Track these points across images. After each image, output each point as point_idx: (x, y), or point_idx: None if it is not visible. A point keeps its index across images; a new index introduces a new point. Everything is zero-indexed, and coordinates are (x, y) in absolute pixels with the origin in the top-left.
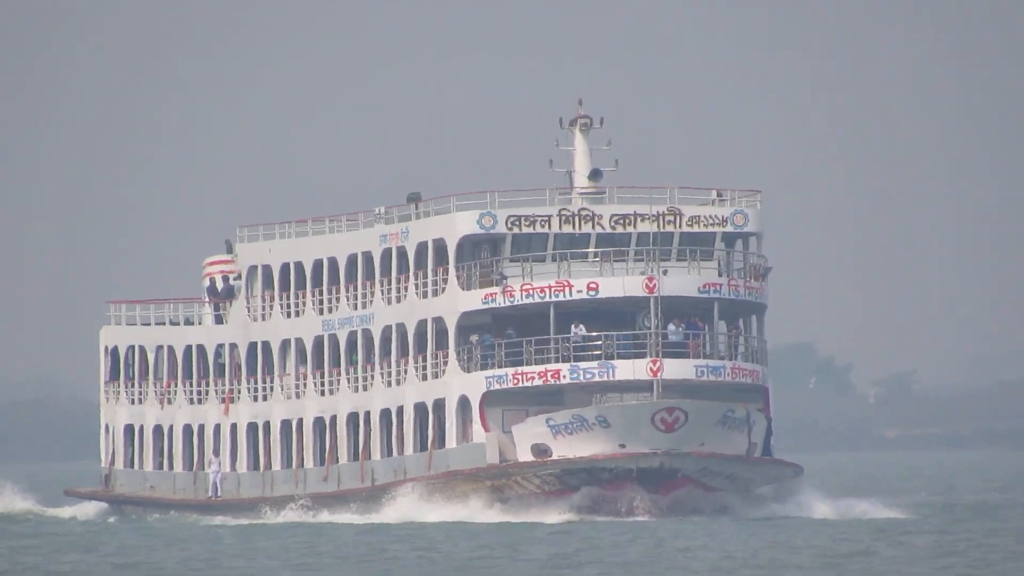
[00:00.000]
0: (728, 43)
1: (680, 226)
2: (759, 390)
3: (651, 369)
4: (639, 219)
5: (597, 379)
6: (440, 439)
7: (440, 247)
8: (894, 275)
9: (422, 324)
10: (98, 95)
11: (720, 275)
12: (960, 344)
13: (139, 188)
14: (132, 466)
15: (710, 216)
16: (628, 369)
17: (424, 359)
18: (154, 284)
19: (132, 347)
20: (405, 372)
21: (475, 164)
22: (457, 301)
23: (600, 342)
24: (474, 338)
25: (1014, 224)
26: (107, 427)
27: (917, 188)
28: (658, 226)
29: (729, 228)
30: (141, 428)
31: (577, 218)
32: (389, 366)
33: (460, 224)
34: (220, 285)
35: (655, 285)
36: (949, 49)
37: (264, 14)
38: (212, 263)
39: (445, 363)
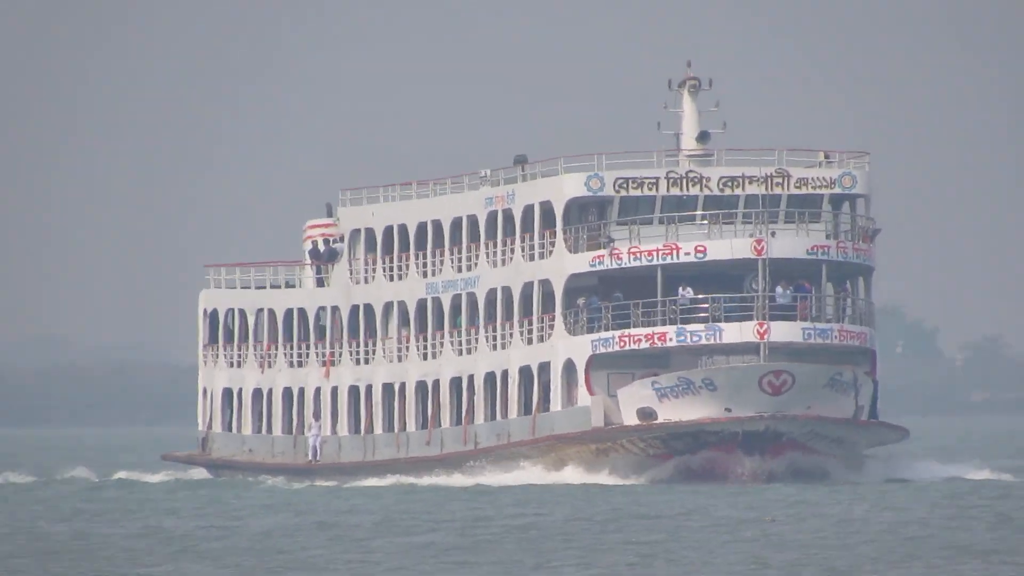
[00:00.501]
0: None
1: (788, 188)
2: (866, 353)
3: (758, 332)
4: (747, 181)
5: (704, 342)
6: (545, 403)
7: (547, 210)
8: (981, 238)
9: (528, 287)
10: (201, 57)
11: (828, 237)
12: None
13: (240, 151)
14: (230, 429)
15: (818, 178)
16: (735, 332)
17: (530, 322)
18: (253, 248)
19: (231, 310)
20: (510, 335)
21: (582, 127)
22: (564, 263)
23: (707, 305)
24: (581, 301)
25: None
26: (204, 390)
27: (1004, 149)
28: (766, 188)
29: (837, 190)
30: (240, 391)
31: (685, 180)
32: (494, 329)
33: (568, 187)
34: (322, 248)
35: (763, 247)
36: None
37: None
38: (313, 226)
39: (551, 326)
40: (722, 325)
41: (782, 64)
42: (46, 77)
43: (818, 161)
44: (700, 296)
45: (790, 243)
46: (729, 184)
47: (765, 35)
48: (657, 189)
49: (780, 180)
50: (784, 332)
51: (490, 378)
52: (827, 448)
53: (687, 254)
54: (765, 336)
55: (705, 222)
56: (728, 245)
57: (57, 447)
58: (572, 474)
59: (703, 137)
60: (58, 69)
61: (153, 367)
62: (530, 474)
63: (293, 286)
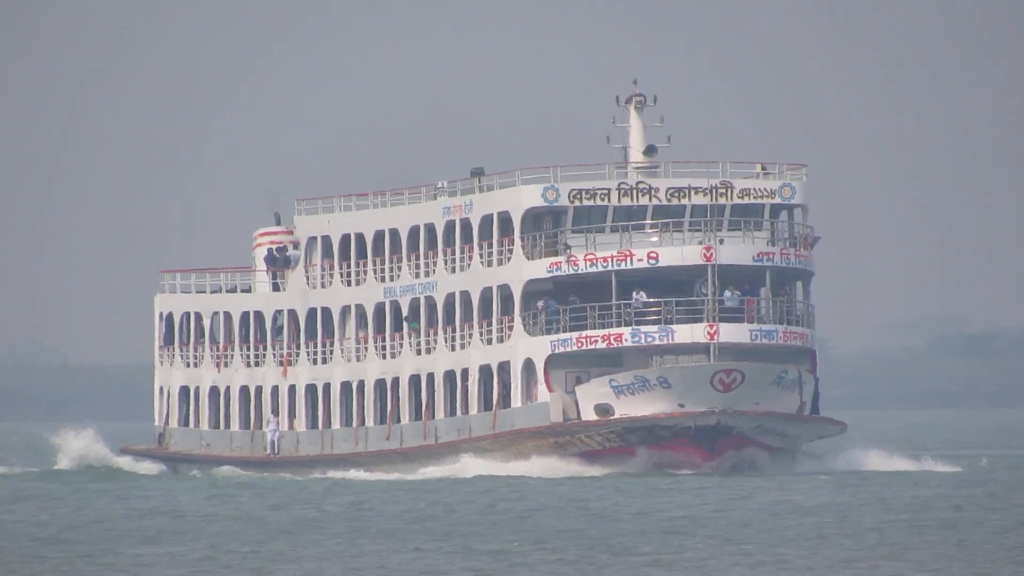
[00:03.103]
0: (776, 20)
1: (732, 198)
2: (807, 352)
3: (708, 333)
4: (693, 192)
5: (657, 342)
6: (505, 399)
7: (505, 219)
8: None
9: (487, 291)
10: (159, 66)
11: (771, 244)
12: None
13: (189, 161)
14: (187, 425)
15: (760, 189)
16: (687, 333)
17: (489, 324)
18: (198, 256)
19: (187, 313)
20: (469, 336)
21: (533, 141)
22: (523, 269)
23: (660, 308)
24: (540, 303)
25: None
26: (161, 389)
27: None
28: (711, 198)
29: (777, 200)
30: (197, 390)
31: (635, 191)
32: (453, 331)
33: (525, 197)
34: (277, 254)
35: (712, 254)
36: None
37: None
38: (263, 234)
39: (511, 327)
40: (674, 327)
41: (722, 81)
42: None
43: (755, 173)
44: (653, 300)
45: (737, 250)
46: (676, 194)
47: (706, 54)
48: (609, 199)
49: (724, 191)
50: (732, 333)
51: (450, 376)
52: (773, 441)
53: (640, 260)
54: (715, 337)
55: (656, 230)
56: (679, 252)
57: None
58: (532, 467)
59: (650, 150)
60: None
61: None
62: (491, 466)
63: (246, 291)
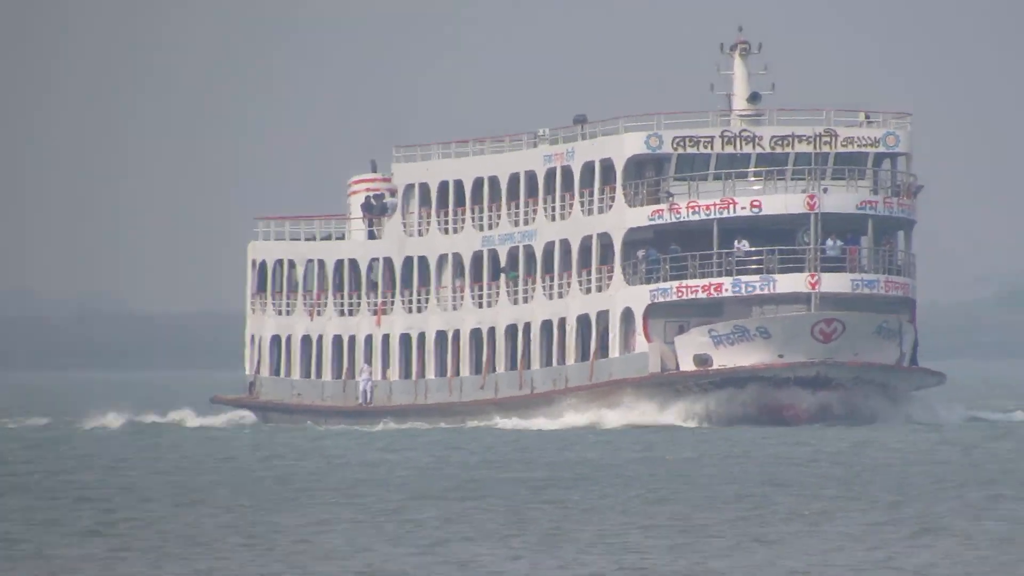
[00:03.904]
0: None
1: (835, 147)
2: (908, 303)
3: (810, 282)
4: (797, 140)
5: (758, 292)
6: (603, 349)
7: (607, 166)
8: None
9: (587, 240)
10: (244, 14)
11: (873, 193)
12: None
13: (282, 108)
14: (278, 374)
15: (864, 137)
16: (788, 283)
17: (588, 273)
18: (292, 202)
19: (280, 261)
20: (568, 285)
21: (636, 88)
22: (624, 217)
23: (761, 257)
24: (641, 252)
25: None
26: (253, 337)
27: None
28: (815, 147)
29: (881, 148)
30: (289, 338)
31: (738, 139)
32: (551, 279)
33: (628, 144)
34: (374, 202)
35: (815, 203)
36: None
37: None
38: (359, 181)
39: (610, 277)
40: (776, 276)
41: (827, 28)
42: (97, 26)
43: (859, 121)
44: (755, 249)
45: (840, 199)
46: (780, 143)
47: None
48: (712, 147)
49: (828, 139)
50: (834, 283)
51: (547, 326)
52: (872, 391)
53: (743, 208)
54: (816, 287)
55: (759, 179)
56: (782, 200)
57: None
58: (631, 416)
59: (754, 98)
60: (109, 23)
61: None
62: (587, 417)
63: (341, 239)
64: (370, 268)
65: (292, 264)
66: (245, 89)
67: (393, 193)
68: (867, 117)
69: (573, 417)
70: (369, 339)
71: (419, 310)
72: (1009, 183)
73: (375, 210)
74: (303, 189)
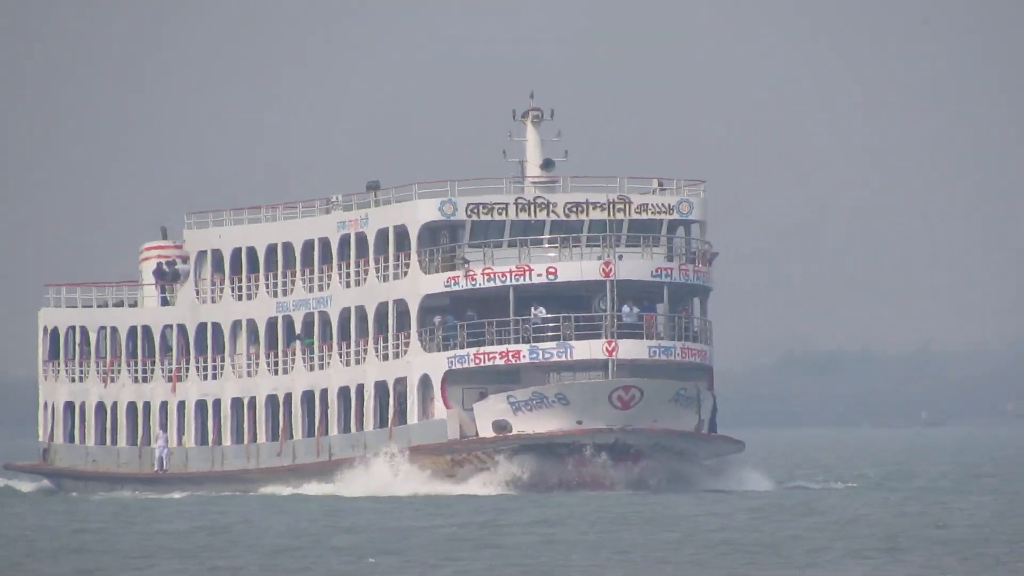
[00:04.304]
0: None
1: (629, 214)
2: (705, 369)
3: (607, 349)
4: (591, 207)
5: (555, 359)
6: (401, 416)
7: (401, 233)
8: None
9: (383, 306)
10: (52, 77)
11: (669, 260)
12: None
13: (70, 175)
14: (72, 441)
15: (658, 204)
16: (585, 349)
17: (384, 339)
18: (84, 270)
19: (72, 327)
20: (364, 351)
21: (429, 154)
22: (419, 284)
23: (558, 324)
24: (437, 319)
25: None
26: (46, 404)
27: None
28: (609, 213)
29: (675, 215)
30: (83, 405)
31: (533, 206)
32: (348, 346)
33: (422, 211)
34: (166, 268)
35: (611, 269)
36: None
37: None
38: (150, 248)
39: (407, 343)
40: (573, 343)
41: (619, 95)
42: None
43: (653, 188)
44: (551, 315)
45: (636, 265)
46: (574, 210)
47: (604, 68)
48: (507, 214)
49: (622, 206)
50: (631, 349)
51: (344, 392)
52: (670, 459)
53: (539, 275)
54: (614, 353)
55: (554, 245)
56: (578, 267)
57: None
58: (430, 485)
59: (547, 164)
60: None
61: None
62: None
63: (133, 305)
64: (163, 335)
65: (85, 331)
66: (32, 151)
67: (185, 260)
68: (660, 184)
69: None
70: (164, 406)
71: (214, 376)
72: (799, 247)
73: (167, 276)
74: (93, 256)
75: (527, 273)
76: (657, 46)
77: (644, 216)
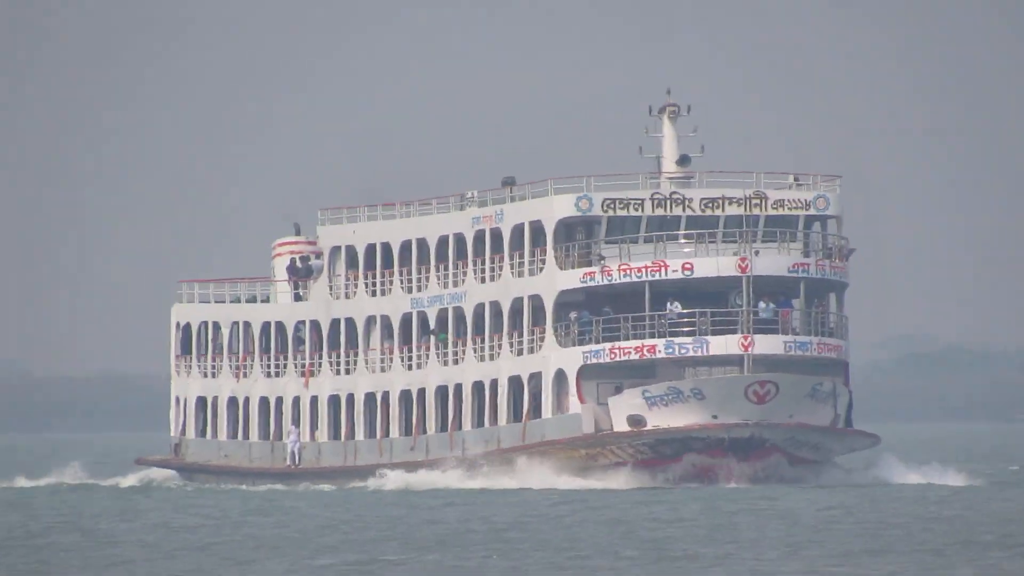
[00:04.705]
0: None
1: (766, 209)
2: (841, 364)
3: (743, 344)
4: (727, 202)
5: (691, 354)
6: (535, 410)
7: (537, 228)
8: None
9: (518, 301)
10: (176, 78)
11: (806, 255)
12: None
13: (201, 172)
14: (204, 435)
15: (794, 200)
16: (721, 344)
17: (519, 335)
18: (216, 265)
19: (205, 323)
20: (499, 347)
21: (565, 150)
22: (555, 280)
23: (694, 319)
24: (573, 314)
25: None
26: (177, 399)
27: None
28: (745, 209)
29: (811, 211)
30: (215, 400)
31: (669, 201)
32: (482, 341)
33: (558, 207)
34: (299, 264)
35: (747, 265)
36: None
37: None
38: (283, 244)
39: (542, 338)
40: (708, 338)
41: (757, 91)
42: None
43: (789, 184)
44: (687, 311)
45: (772, 261)
46: (710, 205)
47: (741, 64)
48: (643, 210)
49: (758, 201)
50: (767, 345)
51: (478, 387)
52: (806, 453)
53: (675, 271)
54: (749, 348)
55: (690, 241)
56: (714, 262)
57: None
58: (563, 479)
59: (684, 160)
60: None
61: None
62: (521, 479)
63: (265, 301)
64: (296, 330)
65: (217, 326)
66: (165, 149)
67: (319, 255)
68: (796, 180)
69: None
70: (297, 400)
71: (347, 372)
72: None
73: (300, 272)
74: (225, 252)
75: (663, 269)
76: (794, 42)
77: (780, 212)
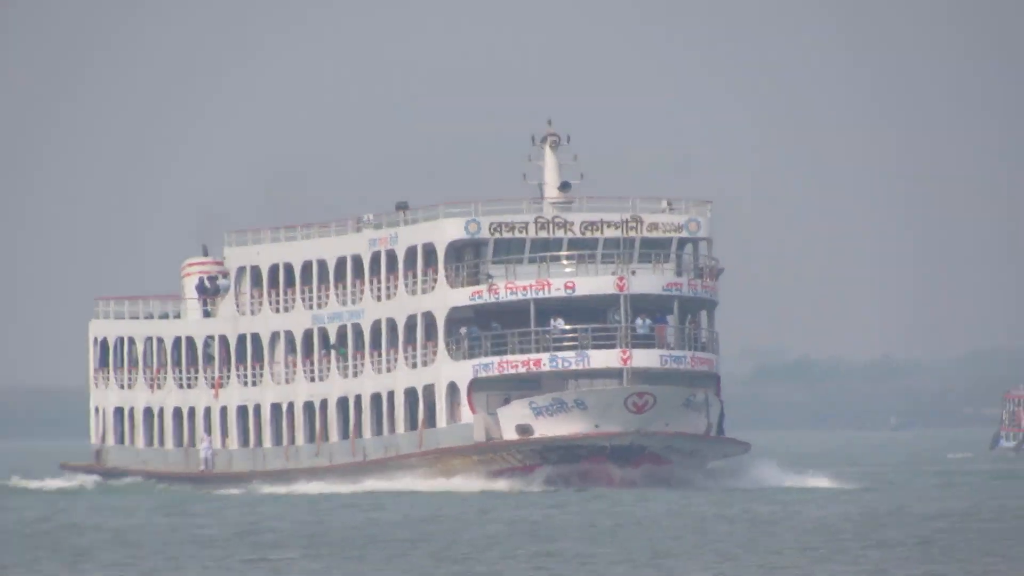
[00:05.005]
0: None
1: (641, 232)
2: (713, 377)
3: (622, 358)
4: (605, 226)
5: (574, 367)
6: (430, 420)
7: (429, 250)
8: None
9: (412, 318)
10: (100, 91)
11: (679, 275)
12: None
13: (119, 192)
14: (123, 443)
15: (667, 223)
16: (602, 358)
17: (413, 349)
18: (129, 284)
19: (121, 338)
20: (395, 360)
21: (453, 177)
22: (447, 297)
23: (576, 335)
24: (463, 330)
25: None
26: (97, 409)
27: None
28: (622, 232)
29: (684, 234)
30: (131, 410)
31: (551, 224)
32: (379, 355)
33: (449, 229)
34: (208, 284)
35: (625, 284)
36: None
37: (254, 15)
38: (192, 264)
39: (435, 352)
40: (590, 352)
41: (635, 118)
42: None
43: (662, 208)
44: (570, 327)
45: (648, 280)
46: (590, 228)
47: (617, 94)
48: (527, 232)
49: (634, 225)
50: (644, 359)
51: (376, 399)
52: (681, 460)
53: (558, 289)
54: (628, 362)
55: (571, 262)
56: (594, 282)
57: None
58: (457, 483)
59: (565, 186)
60: None
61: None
62: (418, 483)
63: (177, 317)
64: (206, 345)
65: (132, 341)
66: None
67: (226, 275)
68: (670, 204)
69: (408, 482)
70: (208, 410)
71: (255, 383)
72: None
73: (209, 291)
74: (136, 270)
75: (546, 287)
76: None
77: (655, 234)
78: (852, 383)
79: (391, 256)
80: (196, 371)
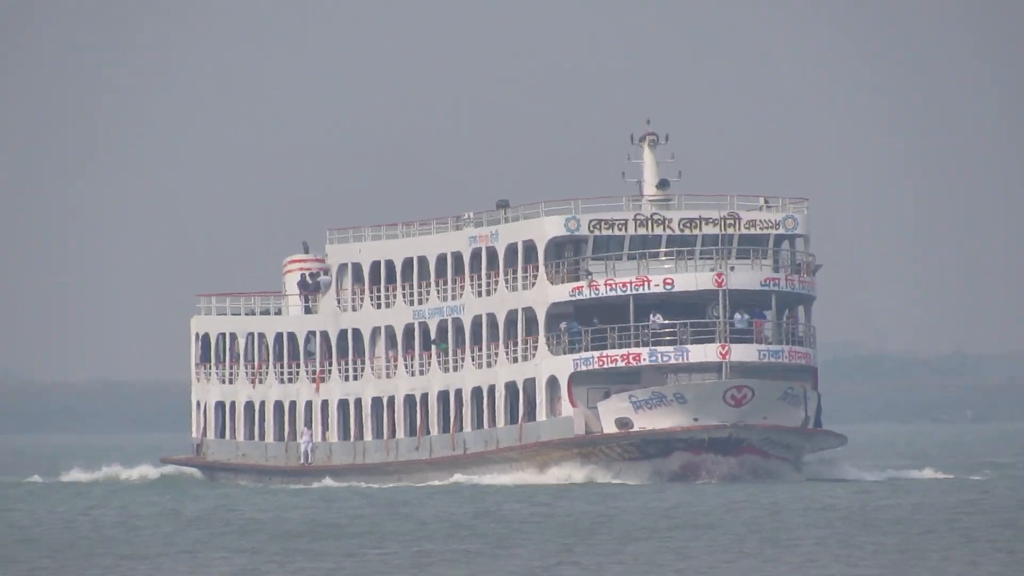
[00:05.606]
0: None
1: (739, 229)
2: (809, 370)
3: (720, 352)
4: (704, 223)
5: (672, 361)
6: (530, 414)
7: (529, 247)
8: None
9: (512, 313)
10: (187, 98)
11: (776, 271)
12: None
13: (220, 192)
14: (223, 437)
15: (765, 220)
16: (700, 352)
17: (514, 343)
18: (229, 281)
19: (223, 334)
20: (495, 355)
21: (553, 175)
22: (547, 293)
23: (675, 329)
24: (563, 325)
25: None
26: (198, 403)
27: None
28: (721, 228)
29: (781, 231)
30: (232, 404)
31: (650, 221)
32: (479, 350)
33: (549, 227)
34: (309, 280)
35: (723, 280)
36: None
37: (358, 12)
38: (293, 261)
39: (535, 347)
40: (688, 347)
41: (731, 117)
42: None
43: (760, 205)
44: (668, 322)
45: (746, 276)
46: (688, 225)
47: (715, 92)
48: (626, 229)
49: (732, 222)
50: (742, 353)
51: (477, 392)
52: (779, 452)
53: (656, 285)
54: (726, 356)
55: (670, 258)
56: (693, 278)
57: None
58: (556, 476)
59: (663, 184)
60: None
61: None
62: (519, 476)
63: (278, 313)
64: (307, 340)
65: (234, 336)
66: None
67: (327, 272)
68: (767, 202)
69: (507, 476)
70: (309, 404)
71: (355, 378)
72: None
73: (310, 287)
74: (239, 268)
75: (646, 283)
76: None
77: (753, 231)
78: (923, 377)
79: (491, 253)
80: (297, 366)
